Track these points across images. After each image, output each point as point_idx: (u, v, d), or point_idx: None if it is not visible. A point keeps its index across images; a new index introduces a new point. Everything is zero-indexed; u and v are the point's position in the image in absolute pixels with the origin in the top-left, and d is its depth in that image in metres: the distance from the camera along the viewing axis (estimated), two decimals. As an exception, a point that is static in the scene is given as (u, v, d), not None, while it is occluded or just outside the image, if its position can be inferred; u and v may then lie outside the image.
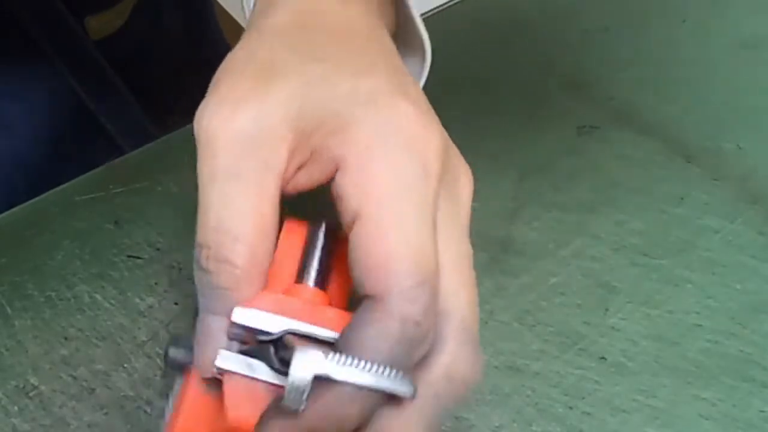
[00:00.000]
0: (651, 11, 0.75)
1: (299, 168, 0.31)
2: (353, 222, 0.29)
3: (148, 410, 0.43)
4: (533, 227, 0.54)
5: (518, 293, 0.50)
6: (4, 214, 0.54)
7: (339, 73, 0.31)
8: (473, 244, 0.53)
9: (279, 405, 0.28)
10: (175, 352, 0.32)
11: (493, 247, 0.53)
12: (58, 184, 0.57)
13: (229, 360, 0.30)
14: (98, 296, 0.50)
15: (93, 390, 0.45)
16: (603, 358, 0.46)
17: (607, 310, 0.49)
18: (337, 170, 0.30)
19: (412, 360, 0.28)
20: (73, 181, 0.58)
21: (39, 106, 0.66)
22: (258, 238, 0.30)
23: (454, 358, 0.30)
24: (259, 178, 0.30)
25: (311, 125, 0.30)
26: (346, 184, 0.29)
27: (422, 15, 0.41)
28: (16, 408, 0.44)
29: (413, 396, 0.28)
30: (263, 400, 0.30)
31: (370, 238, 0.28)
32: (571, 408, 0.44)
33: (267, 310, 0.30)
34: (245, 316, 0.30)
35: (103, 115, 0.68)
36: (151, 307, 0.49)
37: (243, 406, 0.30)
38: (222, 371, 0.30)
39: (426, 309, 0.28)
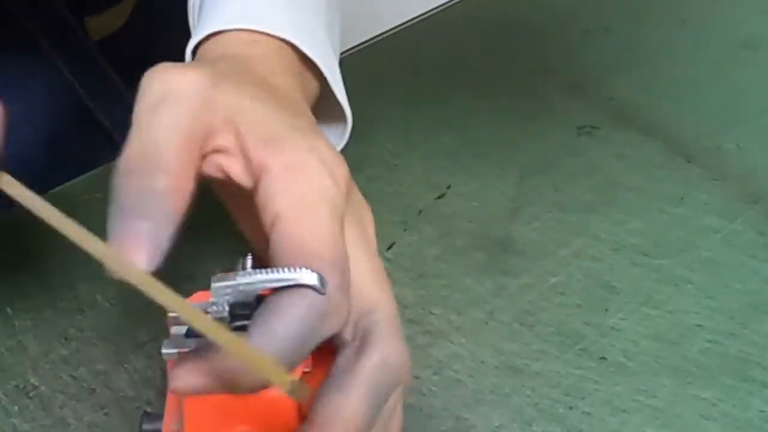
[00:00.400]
0: (651, 11, 0.75)
1: (218, 151, 0.34)
2: (273, 222, 0.32)
3: (149, 410, 0.43)
4: (533, 227, 0.54)
5: (518, 293, 0.50)
6: (3, 214, 0.54)
7: (280, 106, 0.36)
8: (473, 245, 0.53)
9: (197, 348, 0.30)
10: (148, 426, 0.35)
11: (493, 247, 0.53)
12: (58, 184, 0.57)
13: (171, 345, 0.32)
14: (98, 296, 0.50)
15: (93, 390, 0.45)
16: (603, 358, 0.46)
17: (607, 310, 0.49)
18: (260, 176, 0.33)
19: (321, 332, 0.31)
20: (73, 181, 0.58)
21: (39, 106, 0.66)
22: (183, 155, 0.32)
23: (385, 350, 0.33)
24: (191, 117, 0.33)
25: (249, 129, 0.34)
26: (269, 187, 0.33)
27: (422, 15, 0.42)
28: (16, 408, 0.44)
29: (321, 286, 0.30)
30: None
31: (289, 231, 0.32)
32: (571, 408, 0.44)
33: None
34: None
35: (103, 115, 0.68)
36: (151, 307, 0.49)
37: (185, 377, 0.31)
38: (168, 358, 0.32)
39: (336, 286, 0.31)
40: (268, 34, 0.41)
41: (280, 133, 0.34)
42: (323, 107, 0.45)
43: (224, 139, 0.34)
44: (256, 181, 0.33)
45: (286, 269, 0.30)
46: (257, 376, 0.29)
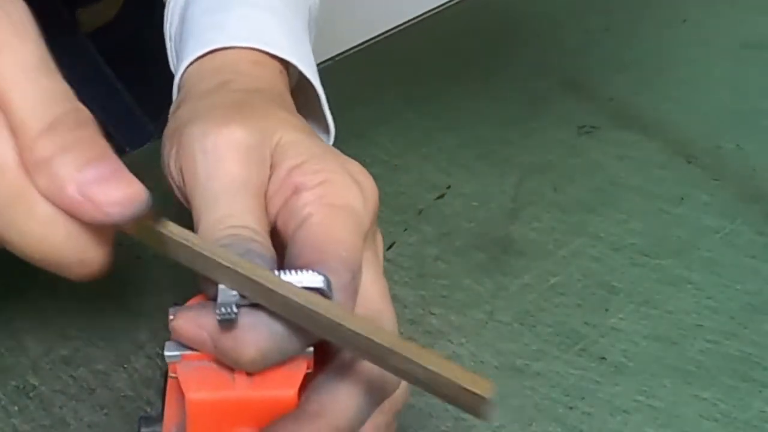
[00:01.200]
0: (651, 11, 0.75)
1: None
2: (301, 224, 0.33)
3: (149, 410, 0.44)
4: (533, 227, 0.54)
5: (518, 293, 0.50)
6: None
7: (305, 128, 0.37)
8: (473, 245, 0.53)
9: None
10: (147, 430, 0.35)
11: (493, 247, 0.53)
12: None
13: (174, 347, 0.32)
14: (98, 296, 0.50)
15: (93, 390, 0.45)
16: (603, 358, 0.46)
17: (607, 310, 0.49)
18: (292, 194, 0.34)
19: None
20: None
21: None
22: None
23: None
24: (259, 184, 0.34)
25: (281, 158, 0.35)
26: (301, 199, 0.34)
27: (422, 15, 0.42)
28: (16, 408, 0.44)
29: (328, 287, 0.31)
30: (214, 377, 0.31)
31: (314, 230, 0.32)
32: (571, 408, 0.44)
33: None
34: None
35: (95, 108, 0.67)
36: (151, 307, 0.49)
37: (198, 387, 0.31)
38: (171, 360, 0.32)
39: (345, 284, 0.31)
40: (273, 55, 0.42)
41: (317, 154, 0.35)
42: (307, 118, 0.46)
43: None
44: (287, 200, 0.34)
45: (293, 271, 0.30)
46: (251, 354, 0.30)
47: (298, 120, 0.38)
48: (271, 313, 0.30)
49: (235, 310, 0.30)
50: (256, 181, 0.34)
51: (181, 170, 0.35)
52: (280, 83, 0.42)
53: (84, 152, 0.26)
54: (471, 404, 0.27)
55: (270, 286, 0.29)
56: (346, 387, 0.31)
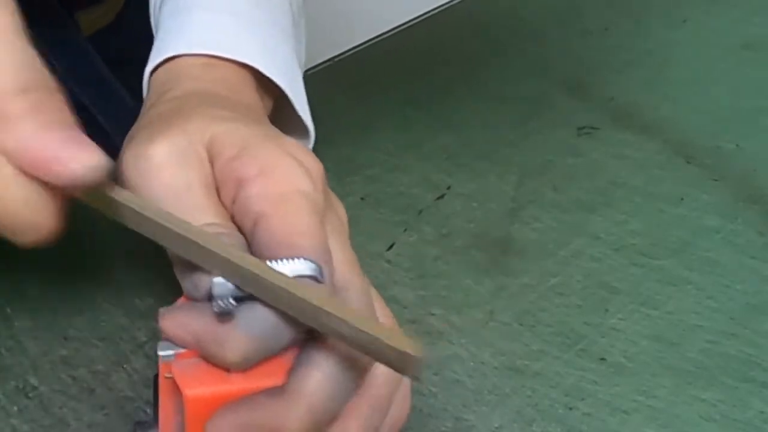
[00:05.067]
0: (651, 11, 0.75)
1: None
2: (256, 222, 0.33)
3: (148, 410, 0.43)
4: (533, 227, 0.54)
5: (518, 293, 0.50)
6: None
7: (240, 118, 0.37)
8: (473, 245, 0.53)
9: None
10: None
11: (493, 247, 0.53)
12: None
13: (167, 347, 0.32)
14: (98, 296, 0.50)
15: (93, 390, 0.45)
16: (603, 358, 0.46)
17: (607, 310, 0.49)
18: (238, 189, 0.34)
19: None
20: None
21: None
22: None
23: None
24: (204, 181, 0.34)
25: (218, 151, 0.35)
26: (248, 194, 0.33)
27: (422, 15, 0.42)
28: (16, 408, 0.44)
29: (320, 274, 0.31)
30: (209, 373, 0.31)
31: (272, 227, 0.32)
32: (571, 408, 0.44)
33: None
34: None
35: (97, 110, 0.67)
36: (151, 307, 0.49)
37: (195, 383, 0.31)
38: (165, 360, 0.32)
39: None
40: (225, 58, 0.42)
41: (252, 142, 0.35)
42: (284, 123, 0.46)
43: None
44: (235, 197, 0.34)
45: (284, 260, 0.31)
46: (237, 351, 0.30)
47: (230, 112, 0.38)
48: (265, 304, 0.31)
49: (232, 302, 0.30)
50: (198, 179, 0.34)
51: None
52: (228, 82, 0.42)
53: (54, 115, 0.28)
54: (401, 363, 0.28)
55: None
56: (322, 363, 0.31)
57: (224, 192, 0.34)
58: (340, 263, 0.34)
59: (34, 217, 0.28)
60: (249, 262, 0.30)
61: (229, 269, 0.30)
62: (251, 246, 0.33)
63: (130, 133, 0.38)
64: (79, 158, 0.27)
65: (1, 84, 0.27)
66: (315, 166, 0.35)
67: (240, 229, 0.34)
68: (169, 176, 0.34)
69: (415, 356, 0.28)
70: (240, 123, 0.36)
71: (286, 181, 0.33)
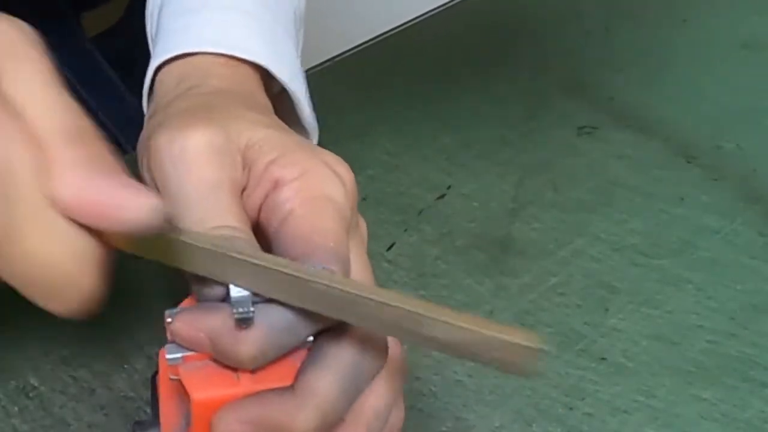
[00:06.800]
0: (651, 11, 0.75)
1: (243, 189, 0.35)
2: (285, 218, 0.33)
3: (148, 410, 0.43)
4: (533, 227, 0.54)
5: (518, 293, 0.50)
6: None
7: (274, 125, 0.37)
8: (473, 245, 0.53)
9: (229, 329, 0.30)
10: None
11: (493, 247, 0.53)
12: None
13: (175, 349, 0.32)
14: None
15: (93, 390, 0.45)
16: (603, 358, 0.46)
17: (607, 310, 0.49)
18: (272, 189, 0.34)
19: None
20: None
21: None
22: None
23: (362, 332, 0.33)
24: (233, 183, 0.34)
25: (255, 156, 0.35)
26: (283, 195, 0.34)
27: (422, 15, 0.42)
28: (16, 408, 0.44)
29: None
30: (218, 376, 0.31)
31: (299, 225, 0.33)
32: (571, 408, 0.44)
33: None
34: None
35: (101, 111, 0.67)
36: (151, 307, 0.49)
37: (203, 387, 0.31)
38: (173, 363, 0.32)
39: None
40: (242, 59, 0.42)
41: (291, 148, 0.35)
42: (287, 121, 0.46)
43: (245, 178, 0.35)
44: (267, 196, 0.34)
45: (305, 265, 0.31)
46: (252, 350, 0.30)
47: (267, 118, 0.38)
48: (283, 305, 0.30)
49: (251, 308, 0.30)
50: (228, 180, 0.34)
51: (154, 180, 0.35)
52: (250, 83, 0.42)
53: (103, 161, 0.27)
54: (516, 359, 0.27)
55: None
56: (331, 365, 0.31)
57: (257, 193, 0.35)
58: (357, 274, 0.34)
59: (78, 272, 0.27)
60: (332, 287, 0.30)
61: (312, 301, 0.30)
62: (272, 244, 0.33)
63: (154, 121, 0.38)
64: (138, 202, 0.26)
65: (48, 131, 0.26)
66: (349, 179, 0.36)
67: (264, 230, 0.34)
68: (203, 170, 0.34)
69: (536, 348, 0.26)
70: (274, 129, 0.36)
71: (320, 186, 0.34)
